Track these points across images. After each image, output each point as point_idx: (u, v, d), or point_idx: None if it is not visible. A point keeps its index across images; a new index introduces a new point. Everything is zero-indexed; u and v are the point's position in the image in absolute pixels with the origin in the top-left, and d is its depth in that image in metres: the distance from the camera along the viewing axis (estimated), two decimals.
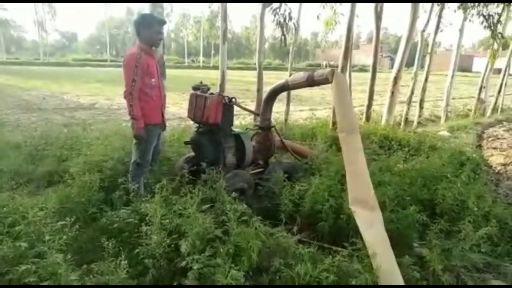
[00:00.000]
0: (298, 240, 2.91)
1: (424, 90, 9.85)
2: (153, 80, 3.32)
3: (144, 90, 3.25)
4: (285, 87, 4.04)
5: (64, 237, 2.12)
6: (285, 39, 6.34)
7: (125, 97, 3.19)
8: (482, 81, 12.54)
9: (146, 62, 3.22)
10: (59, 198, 3.24)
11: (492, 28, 8.66)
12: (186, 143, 3.92)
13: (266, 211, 3.27)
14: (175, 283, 2.21)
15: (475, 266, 2.78)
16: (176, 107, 11.12)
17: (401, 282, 2.36)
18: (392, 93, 7.54)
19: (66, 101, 12.48)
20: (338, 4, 8.88)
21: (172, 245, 2.44)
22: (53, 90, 15.02)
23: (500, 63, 14.24)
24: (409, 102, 9.32)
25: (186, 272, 2.24)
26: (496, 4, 9.90)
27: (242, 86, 17.59)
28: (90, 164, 3.74)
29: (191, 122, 4.03)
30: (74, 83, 18.39)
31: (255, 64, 7.10)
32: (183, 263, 2.27)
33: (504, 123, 10.98)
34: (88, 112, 10.31)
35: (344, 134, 3.13)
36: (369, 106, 7.77)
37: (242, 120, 7.40)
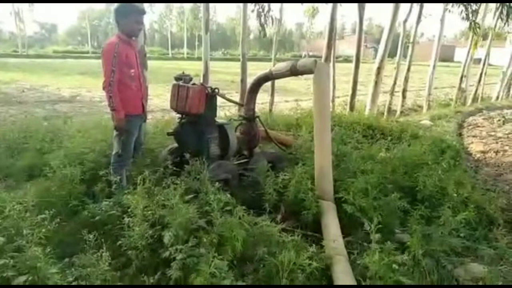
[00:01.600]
0: (282, 228, 2.92)
1: (406, 80, 9.99)
2: (132, 71, 3.26)
3: (123, 80, 3.19)
4: (268, 77, 4.04)
5: (43, 230, 2.08)
6: (263, 29, 6.41)
7: (104, 88, 3.12)
8: (463, 71, 12.77)
9: (124, 52, 3.15)
10: (39, 191, 3.19)
11: (470, 18, 8.80)
12: (169, 134, 3.88)
13: (250, 201, 3.28)
14: (158, 273, 2.20)
15: (454, 250, 2.85)
16: (160, 99, 10.98)
17: (349, 267, 2.50)
18: (376, 83, 7.62)
19: (47, 93, 12.18)
20: None
21: (155, 236, 2.44)
22: (32, 82, 14.61)
23: (480, 53, 14.54)
24: (392, 92, 9.44)
25: (170, 263, 2.24)
26: None
27: (227, 77, 17.47)
28: (71, 157, 3.67)
29: (175, 114, 3.99)
30: (55, 75, 17.93)
31: (239, 55, 7.07)
32: (166, 253, 2.27)
33: (484, 111, 11.25)
34: (70, 105, 10.11)
35: (316, 132, 3.47)
36: (353, 96, 7.84)
37: (227, 112, 7.36)
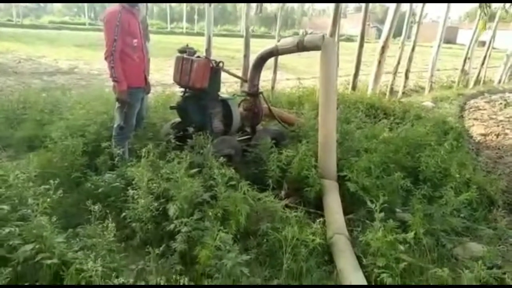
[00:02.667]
0: (285, 205, 2.94)
1: (410, 60, 9.84)
2: (135, 40, 3.18)
3: (125, 51, 3.11)
4: (274, 52, 3.98)
5: (48, 200, 2.07)
6: (260, 5, 6.28)
7: (105, 58, 3.05)
8: (467, 53, 12.60)
9: (127, 21, 3.06)
10: (40, 162, 3.16)
11: None
12: (172, 108, 3.82)
13: (253, 177, 3.28)
14: (163, 246, 2.21)
15: (454, 230, 2.88)
16: (160, 74, 10.81)
17: (349, 245, 2.54)
18: (379, 62, 7.50)
19: (44, 65, 11.94)
20: None
21: (160, 209, 2.44)
22: (29, 53, 14.31)
23: (485, 35, 14.30)
24: (395, 72, 9.32)
25: (174, 235, 2.25)
26: None
27: (227, 53, 17.18)
28: (73, 129, 3.63)
29: (176, 88, 3.92)
30: (51, 46, 17.54)
31: (239, 31, 6.92)
32: (171, 226, 2.28)
33: (486, 94, 11.20)
34: (67, 77, 9.93)
35: (321, 109, 3.45)
36: (356, 75, 7.73)
37: (229, 88, 7.26)
